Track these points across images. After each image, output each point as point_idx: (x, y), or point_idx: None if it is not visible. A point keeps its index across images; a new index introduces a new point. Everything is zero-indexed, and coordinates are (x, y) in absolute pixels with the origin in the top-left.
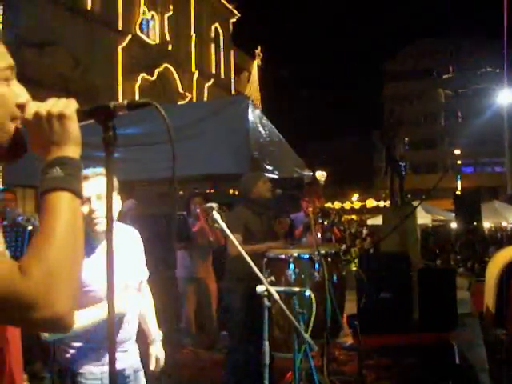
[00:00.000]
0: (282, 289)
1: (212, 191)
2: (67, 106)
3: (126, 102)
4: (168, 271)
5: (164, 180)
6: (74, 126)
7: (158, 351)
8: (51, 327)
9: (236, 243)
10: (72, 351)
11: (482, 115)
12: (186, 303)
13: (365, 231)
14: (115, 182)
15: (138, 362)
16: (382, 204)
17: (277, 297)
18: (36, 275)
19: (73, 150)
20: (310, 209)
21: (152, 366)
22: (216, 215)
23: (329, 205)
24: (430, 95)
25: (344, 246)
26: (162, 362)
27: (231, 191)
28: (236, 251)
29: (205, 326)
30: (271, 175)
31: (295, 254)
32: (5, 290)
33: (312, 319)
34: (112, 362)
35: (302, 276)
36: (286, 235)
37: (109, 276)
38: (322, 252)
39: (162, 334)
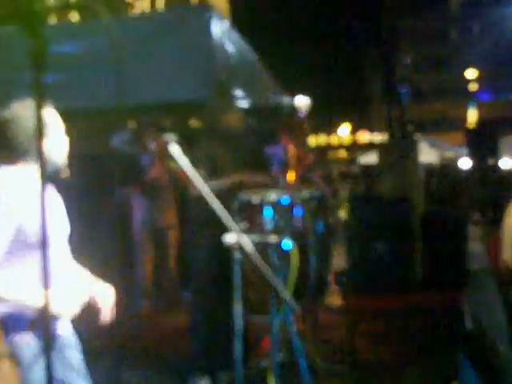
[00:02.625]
0: (256, 238)
1: (169, 123)
2: None
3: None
4: (121, 221)
5: (110, 110)
6: None
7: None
8: None
9: (197, 180)
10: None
11: (503, 28)
12: (142, 258)
13: (356, 170)
14: (54, 116)
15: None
16: (377, 138)
17: (250, 248)
18: None
19: None
20: (291, 145)
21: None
22: (174, 149)
23: (312, 139)
24: (439, 4)
25: (330, 190)
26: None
27: (193, 123)
28: (197, 192)
29: (164, 285)
30: (242, 102)
31: (273, 198)
32: None
33: (293, 275)
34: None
35: (281, 223)
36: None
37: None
38: (305, 195)
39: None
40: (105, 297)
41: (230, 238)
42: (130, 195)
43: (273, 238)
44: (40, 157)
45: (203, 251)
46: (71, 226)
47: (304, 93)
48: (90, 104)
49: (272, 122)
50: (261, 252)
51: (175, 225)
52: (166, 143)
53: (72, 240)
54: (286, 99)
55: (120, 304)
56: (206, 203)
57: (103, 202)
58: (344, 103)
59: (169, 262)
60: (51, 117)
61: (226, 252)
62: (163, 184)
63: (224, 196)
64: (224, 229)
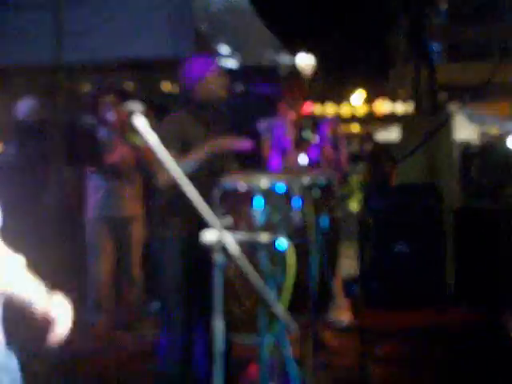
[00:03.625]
0: (243, 237)
1: (133, 86)
2: None
3: None
4: (69, 210)
5: (53, 66)
6: None
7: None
8: None
9: (167, 161)
10: None
11: None
12: (97, 258)
13: (372, 150)
14: None
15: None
16: (399, 109)
17: (235, 249)
18: None
19: None
20: (291, 116)
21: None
22: (138, 122)
23: (318, 109)
24: None
25: (340, 174)
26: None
27: (164, 87)
28: (165, 178)
29: (125, 295)
30: (228, 62)
31: (265, 184)
32: None
33: (289, 284)
34: None
35: (275, 218)
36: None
37: None
38: (306, 182)
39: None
40: (59, 311)
41: (209, 236)
42: (81, 177)
43: (264, 237)
44: None
45: (175, 251)
46: (4, 216)
47: (308, 51)
48: (27, 59)
49: (267, 88)
50: (248, 254)
51: (140, 216)
52: (129, 114)
53: (5, 235)
54: (284, 58)
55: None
56: (179, 190)
57: (46, 185)
58: (358, 64)
59: (131, 263)
60: None
61: (204, 253)
62: (125, 164)
63: (202, 181)
64: (201, 223)
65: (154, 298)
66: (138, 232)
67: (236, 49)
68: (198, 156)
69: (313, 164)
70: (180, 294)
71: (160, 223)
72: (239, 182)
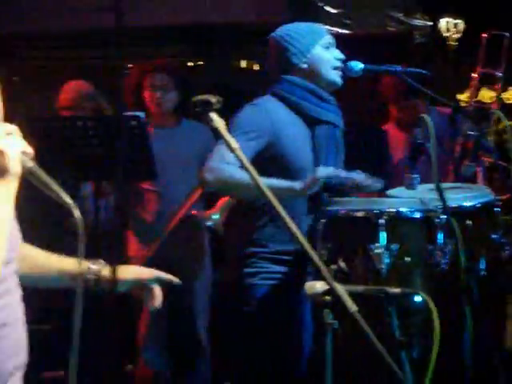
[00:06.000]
0: (361, 289)
1: (200, 63)
2: None
3: None
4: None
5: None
6: None
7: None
8: None
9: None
10: None
11: None
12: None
13: None
14: None
15: None
16: None
17: (352, 306)
18: None
19: None
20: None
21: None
22: (215, 117)
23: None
24: None
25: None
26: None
27: (242, 63)
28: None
29: (181, 371)
30: (341, 29)
31: (391, 210)
32: None
33: (433, 358)
34: None
35: (407, 259)
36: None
37: None
38: (454, 203)
39: None
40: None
41: (315, 287)
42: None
43: (393, 288)
44: None
45: (265, 310)
46: None
47: (453, 13)
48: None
49: (393, 59)
50: (369, 312)
51: (203, 255)
52: (206, 105)
53: None
54: (418, 22)
55: None
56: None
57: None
58: None
59: (189, 325)
60: None
61: (304, 312)
62: None
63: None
64: (301, 268)
65: (225, 379)
66: (201, 276)
67: (351, 10)
68: (300, 188)
69: (465, 178)
70: (271, 371)
71: (238, 262)
72: (354, 207)
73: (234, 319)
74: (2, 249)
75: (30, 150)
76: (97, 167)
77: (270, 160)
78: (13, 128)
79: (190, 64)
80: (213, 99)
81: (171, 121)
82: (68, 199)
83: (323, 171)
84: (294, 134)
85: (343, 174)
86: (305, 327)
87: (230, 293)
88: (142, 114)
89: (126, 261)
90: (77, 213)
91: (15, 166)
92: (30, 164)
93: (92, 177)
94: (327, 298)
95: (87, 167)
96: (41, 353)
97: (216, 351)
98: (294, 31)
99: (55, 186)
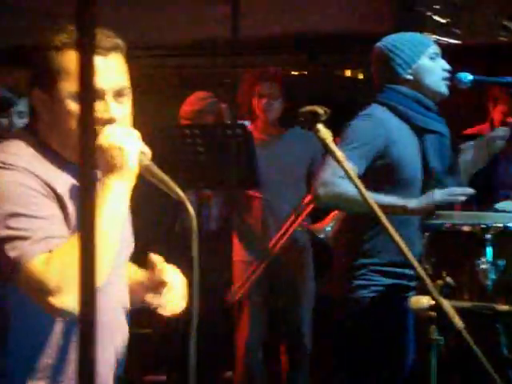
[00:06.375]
0: (468, 304)
1: (305, 73)
2: None
3: None
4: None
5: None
6: None
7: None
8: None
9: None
10: None
11: None
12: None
13: None
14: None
15: None
16: None
17: (459, 322)
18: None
19: None
20: None
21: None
22: (322, 129)
23: None
24: None
25: None
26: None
27: (347, 72)
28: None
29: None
30: (448, 38)
31: (498, 224)
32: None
33: None
34: None
35: None
36: None
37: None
38: None
39: None
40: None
41: (421, 302)
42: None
43: (500, 305)
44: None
45: (371, 323)
46: None
47: None
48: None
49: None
50: (475, 329)
51: (307, 266)
52: (311, 115)
53: None
54: None
55: None
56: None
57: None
58: None
59: (297, 336)
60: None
61: (407, 326)
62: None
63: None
64: (401, 283)
65: None
66: (304, 287)
67: (459, 19)
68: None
69: None
70: None
71: (340, 277)
72: (457, 221)
73: (334, 331)
74: (110, 254)
75: (147, 150)
76: (201, 175)
77: (382, 169)
78: (134, 131)
79: (294, 73)
80: (320, 110)
81: (276, 129)
82: (183, 195)
83: (440, 195)
84: (406, 143)
85: (459, 191)
86: (410, 339)
87: (332, 304)
88: (247, 122)
89: (231, 264)
90: (191, 209)
91: (132, 162)
92: (147, 162)
93: (197, 185)
94: (432, 313)
95: (192, 175)
96: (143, 356)
97: (316, 362)
98: (399, 42)
99: (171, 184)
